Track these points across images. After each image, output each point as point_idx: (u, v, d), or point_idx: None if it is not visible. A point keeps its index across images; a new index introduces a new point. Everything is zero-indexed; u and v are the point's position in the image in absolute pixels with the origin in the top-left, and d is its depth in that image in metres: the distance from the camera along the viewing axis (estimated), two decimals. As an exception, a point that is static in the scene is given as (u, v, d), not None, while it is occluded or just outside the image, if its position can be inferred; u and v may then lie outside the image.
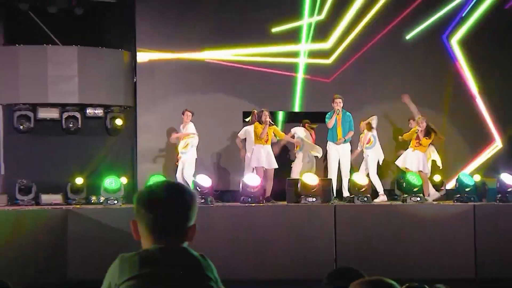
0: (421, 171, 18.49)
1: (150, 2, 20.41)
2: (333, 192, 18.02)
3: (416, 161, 18.41)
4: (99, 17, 20.76)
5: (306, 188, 17.20)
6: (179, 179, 18.07)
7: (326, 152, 19.11)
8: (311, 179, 17.47)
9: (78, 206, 17.66)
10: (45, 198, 18.44)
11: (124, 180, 18.61)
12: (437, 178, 19.66)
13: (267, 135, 18.13)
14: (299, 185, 17.50)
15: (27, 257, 15.06)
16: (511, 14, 21.36)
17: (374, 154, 18.74)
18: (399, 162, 18.81)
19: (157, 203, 4.03)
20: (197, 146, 18.70)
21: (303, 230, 16.09)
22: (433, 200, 18.57)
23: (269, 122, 18.09)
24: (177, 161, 18.76)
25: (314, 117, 19.99)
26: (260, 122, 18.17)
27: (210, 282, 4.06)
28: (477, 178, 19.25)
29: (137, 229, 4.07)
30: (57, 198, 18.37)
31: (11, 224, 16.12)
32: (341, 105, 18.35)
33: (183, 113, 18.60)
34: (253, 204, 17.05)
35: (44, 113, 19.62)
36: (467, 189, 18.01)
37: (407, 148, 18.88)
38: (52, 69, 19.57)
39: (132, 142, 20.33)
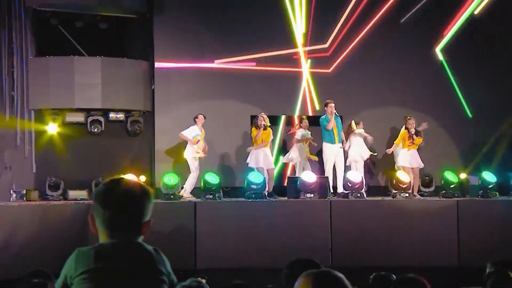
0: (417, 167, 18.68)
1: (166, 17, 20.34)
2: (329, 189, 18.08)
3: (414, 158, 18.61)
4: (121, 30, 20.94)
5: (305, 185, 17.43)
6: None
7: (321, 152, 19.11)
8: (310, 177, 17.65)
9: None
10: (72, 193, 18.65)
11: (143, 178, 18.64)
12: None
13: (263, 137, 18.18)
14: (298, 182, 17.70)
15: (54, 246, 15.01)
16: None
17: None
18: (401, 162, 18.75)
19: (111, 199, 4.09)
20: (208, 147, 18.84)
21: (302, 223, 16.31)
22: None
23: (264, 126, 18.16)
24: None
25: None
26: (256, 126, 18.29)
27: (161, 275, 4.11)
28: (463, 176, 19.37)
29: (94, 224, 4.11)
30: (83, 193, 18.58)
31: (40, 217, 16.31)
32: (333, 108, 18.37)
33: (196, 117, 18.68)
34: (256, 200, 17.14)
35: (71, 117, 19.77)
36: (451, 186, 18.31)
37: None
38: (79, 78, 19.65)
39: (150, 143, 20.37)
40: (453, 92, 21.15)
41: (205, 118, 18.66)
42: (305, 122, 19.59)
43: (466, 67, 21.26)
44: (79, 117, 19.83)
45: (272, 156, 18.79)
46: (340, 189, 18.34)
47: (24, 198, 18.84)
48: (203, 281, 6.64)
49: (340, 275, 3.52)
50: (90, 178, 18.93)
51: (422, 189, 19.34)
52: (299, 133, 19.31)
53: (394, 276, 7.42)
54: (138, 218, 4.17)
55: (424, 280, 5.90)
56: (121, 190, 4.15)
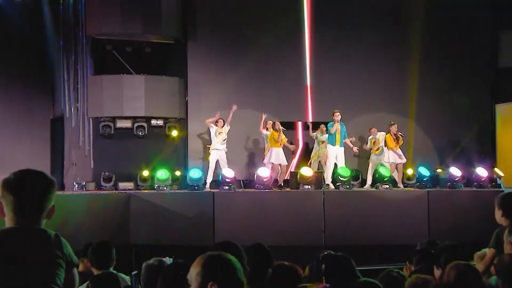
0: (401, 163, 18.76)
1: (197, 42, 20.50)
2: (324, 181, 18.17)
3: (399, 156, 18.68)
4: (162, 53, 20.97)
5: (304, 178, 17.62)
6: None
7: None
8: (307, 172, 17.83)
9: (145, 191, 18.16)
10: (121, 185, 18.99)
11: (178, 173, 19.12)
12: (409, 171, 19.40)
13: (276, 140, 18.19)
14: (298, 176, 17.88)
15: (102, 226, 15.44)
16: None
17: (332, 153, 18.44)
18: (391, 159, 18.72)
19: (16, 187, 3.96)
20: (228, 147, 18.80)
21: (301, 209, 16.54)
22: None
23: (278, 130, 18.27)
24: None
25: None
26: (275, 130, 18.38)
27: (57, 258, 3.96)
28: (438, 170, 19.52)
29: (2, 209, 3.99)
30: (130, 185, 18.88)
31: (92, 202, 16.81)
32: (339, 117, 18.30)
33: (217, 121, 18.68)
34: (264, 190, 17.46)
35: (121, 123, 20.02)
36: (424, 179, 18.52)
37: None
38: (126, 91, 19.91)
39: (184, 144, 20.53)
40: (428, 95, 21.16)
41: (223, 122, 18.58)
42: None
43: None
44: (127, 123, 20.04)
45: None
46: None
47: (84, 188, 19.24)
48: (166, 259, 6.57)
49: (231, 257, 3.51)
50: (136, 172, 19.13)
51: (405, 181, 19.18)
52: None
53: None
54: (41, 204, 4.06)
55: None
56: (28, 179, 4.06)
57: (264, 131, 18.78)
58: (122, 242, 15.26)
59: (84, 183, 19.65)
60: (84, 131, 20.66)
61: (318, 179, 17.72)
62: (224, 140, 18.47)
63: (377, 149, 19.15)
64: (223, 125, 18.47)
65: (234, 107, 18.63)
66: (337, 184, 18.05)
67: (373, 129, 19.37)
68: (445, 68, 21.25)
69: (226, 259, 3.45)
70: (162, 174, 18.02)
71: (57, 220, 14.24)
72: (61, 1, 21.54)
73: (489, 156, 20.30)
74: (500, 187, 18.25)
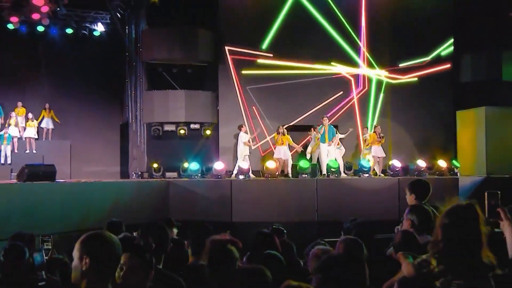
0: (382, 157, 18.67)
1: (225, 65, 20.31)
2: (319, 171, 18.00)
3: (380, 151, 18.58)
4: (199, 73, 20.88)
5: (302, 169, 17.54)
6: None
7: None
8: (305, 164, 17.67)
9: (185, 179, 17.98)
10: (168, 174, 18.95)
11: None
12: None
13: (281, 140, 18.09)
14: (297, 167, 17.82)
15: (146, 206, 15.50)
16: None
17: (324, 149, 18.36)
18: (374, 154, 18.60)
19: None
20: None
21: (300, 193, 16.41)
22: None
23: (282, 133, 18.18)
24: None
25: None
26: (278, 133, 18.34)
27: None
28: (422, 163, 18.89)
29: None
30: (174, 174, 18.84)
31: (140, 188, 16.72)
32: (327, 121, 18.36)
33: (241, 127, 18.91)
34: (270, 178, 17.44)
35: (167, 127, 20.10)
36: (396, 170, 18.37)
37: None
38: (171, 102, 20.12)
39: (216, 143, 20.46)
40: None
41: (245, 128, 18.79)
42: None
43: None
44: (172, 127, 20.09)
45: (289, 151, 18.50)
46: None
47: (140, 177, 19.51)
48: (135, 234, 6.13)
49: (106, 235, 3.24)
50: (178, 165, 19.06)
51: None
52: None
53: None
54: None
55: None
56: None
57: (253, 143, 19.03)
58: (163, 218, 15.20)
59: (139, 173, 19.90)
60: (141, 133, 20.86)
61: (313, 170, 17.48)
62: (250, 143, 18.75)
63: (367, 145, 19.12)
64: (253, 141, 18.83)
65: (257, 131, 19.18)
66: (328, 173, 17.91)
67: (365, 129, 19.48)
68: (420, 84, 21.12)
69: (101, 236, 3.19)
70: (193, 165, 18.07)
71: (109, 202, 14.70)
72: (126, 37, 21.88)
73: (450, 150, 19.98)
74: (456, 175, 18.08)
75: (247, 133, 19.05)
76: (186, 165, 18.85)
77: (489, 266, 3.55)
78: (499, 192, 5.53)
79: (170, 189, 16.33)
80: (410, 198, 7.13)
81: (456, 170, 18.35)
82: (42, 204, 12.95)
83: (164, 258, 5.11)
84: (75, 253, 3.14)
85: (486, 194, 5.49)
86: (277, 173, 17.69)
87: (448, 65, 21.09)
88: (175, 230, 7.84)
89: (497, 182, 16.28)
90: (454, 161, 18.65)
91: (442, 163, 18.39)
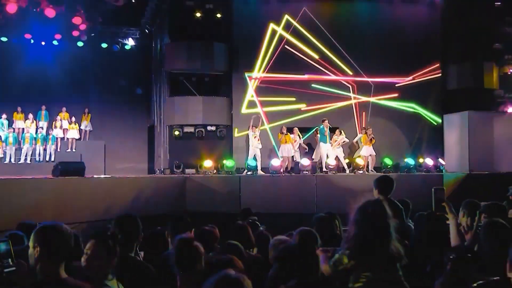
0: (373, 155, 18.29)
1: (238, 73, 20.31)
2: (319, 168, 17.96)
3: (371, 151, 18.21)
4: (215, 81, 20.82)
5: (303, 166, 17.54)
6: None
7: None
8: (306, 162, 17.68)
9: (201, 175, 17.95)
10: (187, 171, 18.73)
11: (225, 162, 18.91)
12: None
13: (285, 139, 17.84)
14: (299, 165, 17.77)
15: (166, 198, 15.31)
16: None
17: (324, 148, 18.08)
18: (363, 152, 18.37)
19: None
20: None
21: (301, 187, 16.15)
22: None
23: (284, 133, 17.97)
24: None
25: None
26: (281, 133, 18.11)
27: None
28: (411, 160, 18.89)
29: None
30: (193, 171, 18.66)
31: (159, 183, 16.38)
32: (327, 123, 18.06)
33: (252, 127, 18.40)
34: (275, 175, 17.33)
35: (186, 129, 19.96)
36: (388, 167, 18.22)
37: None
38: (191, 107, 20.01)
39: (230, 143, 20.33)
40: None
41: (256, 127, 18.37)
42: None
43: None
44: (191, 129, 19.98)
45: (293, 149, 18.25)
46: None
47: (162, 173, 19.46)
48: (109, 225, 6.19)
49: (58, 227, 3.22)
50: (197, 162, 18.99)
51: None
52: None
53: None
54: None
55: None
56: None
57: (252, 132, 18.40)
58: (180, 209, 14.96)
59: (162, 169, 19.93)
60: (164, 134, 20.84)
61: (313, 167, 17.39)
62: (259, 141, 18.22)
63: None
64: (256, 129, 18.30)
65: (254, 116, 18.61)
66: (326, 170, 17.75)
67: (363, 129, 19.28)
68: (411, 90, 20.87)
69: (51, 228, 3.22)
70: (208, 162, 18.11)
71: (132, 195, 14.73)
72: (153, 49, 22.04)
73: (438, 149, 19.70)
74: (442, 172, 17.90)
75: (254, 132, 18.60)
76: (204, 162, 18.67)
77: (397, 258, 3.43)
78: (444, 188, 5.49)
79: (187, 183, 16.19)
80: (375, 193, 7.07)
81: (441, 167, 18.13)
82: (73, 196, 12.98)
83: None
84: (30, 242, 3.20)
85: (433, 190, 5.44)
86: (281, 170, 17.55)
87: (439, 73, 21.02)
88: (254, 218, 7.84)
89: (477, 177, 16.07)
90: (439, 159, 18.47)
91: (428, 161, 18.20)
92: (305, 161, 17.74)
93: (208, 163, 18.00)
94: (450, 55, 20.71)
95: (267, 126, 19.91)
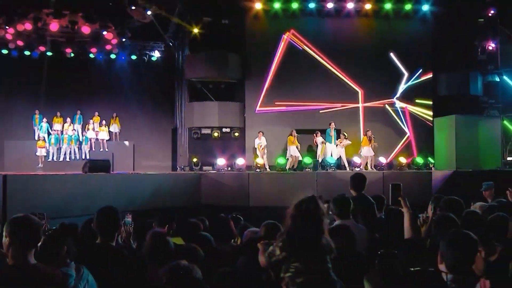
0: (372, 156, 18.15)
1: (251, 81, 20.19)
2: (319, 166, 17.81)
3: (371, 151, 18.05)
4: (230, 88, 20.71)
5: (306, 164, 17.47)
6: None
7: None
8: (308, 160, 17.57)
9: (214, 171, 17.84)
10: (204, 168, 18.76)
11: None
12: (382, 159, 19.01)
13: (293, 140, 17.79)
14: (302, 163, 17.68)
15: (183, 193, 15.31)
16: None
17: (329, 148, 18.14)
18: (363, 153, 18.15)
19: None
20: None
21: (304, 182, 15.94)
22: None
23: (295, 135, 17.97)
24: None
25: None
26: (291, 135, 18.01)
27: None
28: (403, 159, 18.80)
29: None
30: (209, 168, 18.65)
31: (177, 179, 16.46)
32: (333, 126, 18.21)
33: (259, 132, 18.52)
34: (281, 171, 17.37)
35: (204, 131, 19.86)
36: (382, 165, 18.03)
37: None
38: (208, 111, 19.91)
39: (243, 143, 20.06)
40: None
41: (263, 134, 18.46)
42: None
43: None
44: (208, 131, 19.91)
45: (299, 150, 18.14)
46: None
47: (183, 170, 19.48)
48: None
49: (27, 218, 3.23)
50: (213, 160, 18.93)
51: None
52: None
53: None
54: None
55: None
56: None
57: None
58: (196, 203, 15.25)
59: (183, 167, 19.93)
60: (184, 136, 20.84)
61: (315, 165, 17.28)
62: (263, 149, 18.23)
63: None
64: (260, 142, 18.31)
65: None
66: (327, 167, 17.67)
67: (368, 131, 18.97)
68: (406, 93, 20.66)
69: (20, 219, 3.23)
70: (220, 160, 18.16)
71: (151, 189, 14.75)
72: (175, 60, 22.11)
73: (429, 150, 19.45)
74: (431, 170, 17.71)
75: (260, 139, 18.58)
76: (218, 160, 18.70)
77: (328, 251, 3.35)
78: (401, 184, 5.37)
79: (202, 179, 16.16)
80: (351, 190, 6.98)
81: (431, 166, 17.93)
82: (99, 189, 13.09)
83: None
84: (4, 232, 3.24)
85: (390, 185, 5.32)
86: (287, 167, 17.41)
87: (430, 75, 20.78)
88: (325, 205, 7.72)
89: (463, 174, 15.89)
90: (429, 158, 18.26)
91: (419, 160, 18.01)
92: (308, 160, 17.55)
93: (221, 161, 17.87)
94: (440, 65, 20.52)
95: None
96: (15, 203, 11.02)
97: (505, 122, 18.79)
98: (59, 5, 18.22)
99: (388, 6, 19.96)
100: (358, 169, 17.54)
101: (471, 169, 16.30)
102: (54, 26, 18.92)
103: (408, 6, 20.05)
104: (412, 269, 3.46)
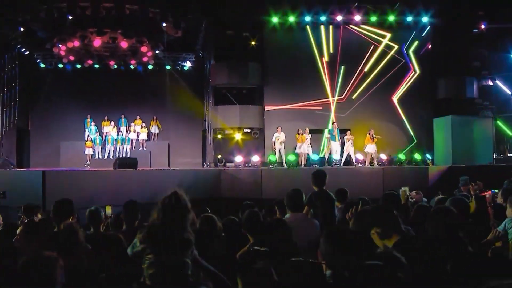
0: (375, 153, 17.98)
1: (270, 87, 20.31)
2: (326, 162, 17.81)
3: (373, 149, 17.88)
4: (251, 93, 20.88)
5: (313, 161, 17.45)
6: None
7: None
8: (315, 157, 17.57)
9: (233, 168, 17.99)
10: (228, 164, 18.69)
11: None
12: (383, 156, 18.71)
13: (301, 139, 17.81)
14: (309, 159, 17.66)
15: (204, 186, 15.35)
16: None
17: (334, 145, 17.98)
18: (367, 150, 17.89)
19: None
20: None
21: (310, 177, 15.96)
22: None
23: (301, 133, 17.98)
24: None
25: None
26: (298, 133, 18.06)
27: None
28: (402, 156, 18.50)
29: None
30: (232, 164, 18.63)
31: (197, 174, 16.62)
32: (336, 125, 18.11)
33: (277, 128, 18.43)
34: (291, 167, 17.39)
35: (227, 131, 20.05)
36: (383, 161, 17.89)
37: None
38: (231, 113, 20.15)
39: (262, 142, 20.20)
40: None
41: (281, 129, 18.36)
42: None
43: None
44: (230, 131, 20.16)
45: (308, 146, 18.11)
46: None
47: (208, 166, 19.69)
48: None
49: None
50: (234, 157, 18.99)
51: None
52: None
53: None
54: None
55: None
56: None
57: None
58: (217, 195, 15.36)
59: (208, 163, 20.24)
60: (210, 135, 21.14)
61: (322, 161, 17.33)
62: (281, 143, 18.16)
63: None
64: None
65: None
66: (331, 163, 17.62)
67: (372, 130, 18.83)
68: (409, 97, 20.42)
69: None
70: (239, 158, 18.32)
71: (174, 183, 15.07)
72: (204, 67, 22.44)
73: (428, 147, 19.23)
74: (428, 165, 17.50)
75: (279, 133, 18.55)
76: (236, 158, 18.82)
77: (187, 244, 3.07)
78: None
79: (222, 174, 16.38)
80: (313, 185, 6.98)
81: (428, 162, 17.70)
82: (127, 183, 13.48)
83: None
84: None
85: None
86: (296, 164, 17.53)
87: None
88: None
89: (457, 169, 15.59)
90: (427, 155, 18.04)
91: (417, 156, 17.82)
92: (315, 156, 17.60)
93: (238, 158, 18.08)
94: (438, 71, 20.28)
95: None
96: (52, 194, 11.55)
97: (498, 122, 18.44)
98: (101, 24, 18.81)
99: (391, 18, 19.82)
100: (361, 165, 17.44)
101: (464, 164, 16.08)
102: (97, 42, 19.57)
103: (409, 18, 19.93)
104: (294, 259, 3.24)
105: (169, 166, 21.50)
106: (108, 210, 5.33)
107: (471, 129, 17.68)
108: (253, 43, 20.40)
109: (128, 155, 21.57)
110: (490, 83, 19.88)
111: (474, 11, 19.43)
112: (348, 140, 17.94)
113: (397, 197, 6.04)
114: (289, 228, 4.07)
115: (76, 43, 19.73)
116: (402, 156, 17.80)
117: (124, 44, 20.10)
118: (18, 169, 18.19)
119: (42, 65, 22.72)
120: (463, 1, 18.69)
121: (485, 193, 6.00)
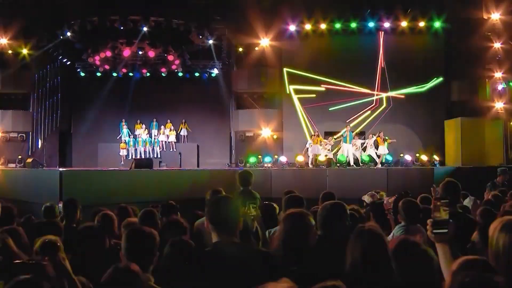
0: (384, 153, 18.08)
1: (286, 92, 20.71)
2: (333, 163, 17.78)
3: (384, 150, 17.93)
4: (270, 97, 21.27)
5: (321, 162, 17.56)
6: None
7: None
8: (323, 158, 17.71)
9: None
10: (248, 165, 18.92)
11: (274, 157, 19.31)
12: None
13: (316, 140, 17.96)
14: (317, 161, 17.85)
15: (218, 184, 15.82)
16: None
17: (345, 148, 18.13)
18: (379, 151, 17.93)
19: None
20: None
21: (319, 178, 15.87)
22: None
23: (317, 135, 18.24)
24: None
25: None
26: (313, 135, 18.34)
27: None
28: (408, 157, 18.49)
29: None
30: (248, 166, 18.78)
31: (212, 173, 16.55)
32: (349, 128, 18.32)
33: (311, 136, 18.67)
34: (300, 167, 17.70)
35: (247, 133, 20.78)
36: (388, 161, 17.89)
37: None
38: (252, 117, 20.68)
39: (281, 144, 20.55)
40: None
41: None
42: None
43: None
44: (251, 133, 20.69)
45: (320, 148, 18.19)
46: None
47: (229, 166, 20.20)
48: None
49: None
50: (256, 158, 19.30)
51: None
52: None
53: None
54: None
55: None
56: None
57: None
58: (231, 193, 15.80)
59: (228, 163, 20.78)
60: (232, 138, 21.68)
61: (329, 162, 17.49)
62: (326, 144, 18.26)
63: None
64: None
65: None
66: (338, 164, 17.76)
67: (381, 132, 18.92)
68: (420, 99, 20.20)
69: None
70: (253, 158, 18.81)
71: (189, 183, 15.65)
72: (230, 75, 23.04)
73: (438, 148, 19.02)
74: (436, 166, 17.35)
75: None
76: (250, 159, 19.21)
77: None
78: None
79: (236, 175, 16.70)
80: (239, 185, 7.03)
81: (436, 162, 17.56)
82: (143, 182, 13.96)
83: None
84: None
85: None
86: (305, 164, 17.80)
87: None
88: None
89: (464, 170, 15.56)
90: (434, 156, 17.88)
91: (424, 157, 17.71)
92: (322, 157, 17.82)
93: (252, 159, 18.51)
94: (452, 74, 20.09)
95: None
96: (69, 192, 12.36)
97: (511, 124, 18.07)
98: (130, 34, 19.83)
99: (404, 24, 19.84)
100: (366, 165, 17.51)
101: (471, 166, 15.92)
102: (126, 52, 20.59)
103: (422, 23, 19.89)
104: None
105: (198, 166, 22.05)
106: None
107: (481, 131, 17.44)
108: (271, 50, 20.85)
109: (159, 156, 22.40)
110: (504, 85, 19.42)
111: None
112: (385, 141, 17.99)
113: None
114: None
115: (108, 53, 20.85)
116: (423, 157, 17.76)
117: (151, 54, 21.03)
118: (45, 169, 19.23)
119: (82, 74, 24.08)
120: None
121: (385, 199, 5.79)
